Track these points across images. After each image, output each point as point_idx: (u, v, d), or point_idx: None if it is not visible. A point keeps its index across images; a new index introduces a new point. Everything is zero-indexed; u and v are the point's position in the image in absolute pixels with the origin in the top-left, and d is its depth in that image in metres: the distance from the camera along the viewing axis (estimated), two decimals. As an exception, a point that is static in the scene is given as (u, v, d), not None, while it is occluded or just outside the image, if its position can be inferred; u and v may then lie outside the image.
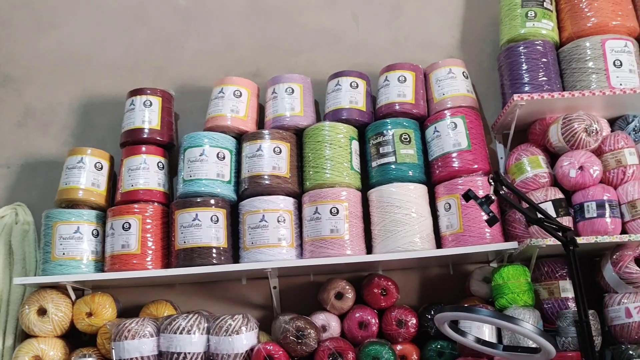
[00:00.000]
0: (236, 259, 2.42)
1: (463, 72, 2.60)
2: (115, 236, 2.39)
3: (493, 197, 1.92)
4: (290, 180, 2.47)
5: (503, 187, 1.93)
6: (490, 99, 2.73)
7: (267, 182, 2.43)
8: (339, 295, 2.40)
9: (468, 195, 1.92)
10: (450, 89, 2.56)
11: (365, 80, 2.62)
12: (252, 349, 2.22)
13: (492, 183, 1.89)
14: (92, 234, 2.43)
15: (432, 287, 2.57)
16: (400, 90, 2.56)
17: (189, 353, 2.20)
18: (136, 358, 2.19)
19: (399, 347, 2.33)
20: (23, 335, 2.40)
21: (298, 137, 2.56)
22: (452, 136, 2.46)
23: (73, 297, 2.41)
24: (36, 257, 2.52)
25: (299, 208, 2.48)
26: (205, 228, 2.36)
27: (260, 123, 2.64)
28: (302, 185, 2.50)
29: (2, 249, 2.49)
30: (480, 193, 2.31)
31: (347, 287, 2.41)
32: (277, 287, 2.53)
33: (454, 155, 2.44)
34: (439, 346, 2.33)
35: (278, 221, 2.39)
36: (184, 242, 2.36)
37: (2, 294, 2.44)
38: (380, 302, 2.39)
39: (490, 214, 1.87)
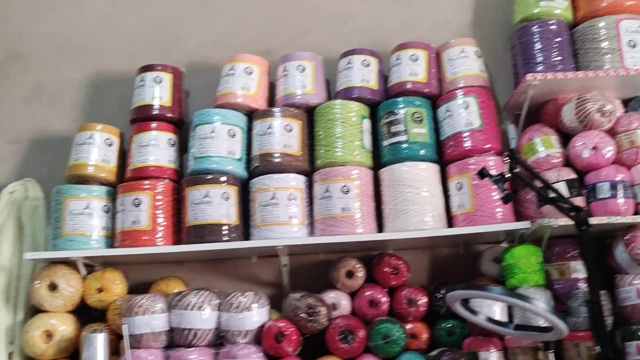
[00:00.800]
0: (247, 236, 2.41)
1: (475, 52, 2.58)
2: (125, 212, 2.38)
3: (507, 175, 1.91)
4: (301, 159, 2.46)
5: (517, 165, 1.92)
6: (501, 80, 2.70)
7: (278, 160, 2.42)
8: (350, 274, 2.39)
9: (482, 173, 1.91)
10: (463, 69, 2.54)
11: (377, 59, 2.60)
12: (262, 326, 2.22)
13: (507, 161, 1.88)
14: (103, 210, 2.42)
15: (443, 266, 2.56)
16: (412, 69, 2.54)
17: (200, 329, 2.20)
18: (147, 334, 2.19)
19: (409, 325, 2.33)
20: (33, 311, 2.39)
21: (309, 115, 2.55)
22: (464, 116, 2.45)
23: (83, 272, 2.41)
24: (46, 233, 2.51)
25: (310, 186, 2.47)
26: (216, 205, 2.36)
27: (271, 101, 2.62)
28: (313, 164, 2.49)
29: (12, 224, 2.49)
30: (493, 173, 2.29)
31: (358, 265, 2.40)
32: (288, 265, 2.52)
33: (466, 134, 2.43)
34: (449, 325, 2.32)
35: (289, 199, 2.38)
36: (195, 219, 2.36)
37: (12, 269, 2.43)
38: (390, 281, 2.39)
39: (506, 192, 1.86)
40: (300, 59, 2.58)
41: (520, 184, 2.43)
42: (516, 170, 1.88)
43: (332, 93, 2.67)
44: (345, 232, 2.33)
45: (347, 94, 2.54)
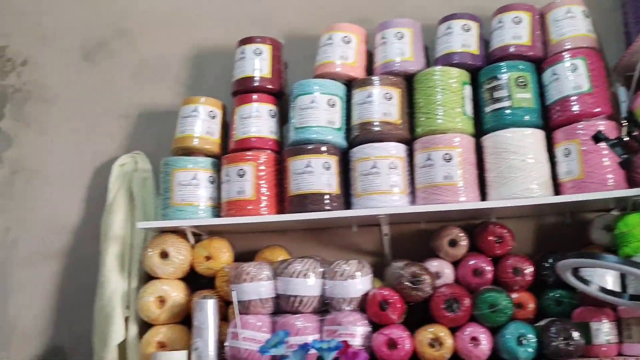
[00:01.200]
0: (348, 205, 2.43)
1: (583, 11, 2.46)
2: (230, 182, 2.44)
3: (626, 139, 1.83)
4: (401, 127, 2.43)
5: (636, 128, 1.83)
6: (611, 40, 2.57)
7: (377, 128, 2.41)
8: (453, 243, 2.37)
9: (598, 137, 1.83)
10: (569, 30, 2.43)
11: (478, 23, 2.53)
12: (366, 294, 2.24)
13: (625, 124, 1.79)
14: (208, 181, 2.49)
15: (549, 235, 2.49)
16: (515, 32, 2.46)
17: (305, 296, 2.24)
18: (254, 300, 2.25)
19: (514, 295, 2.28)
20: (146, 277, 2.51)
21: (408, 82, 2.52)
22: (571, 79, 2.35)
23: (192, 241, 2.50)
24: (155, 203, 2.61)
25: (410, 155, 2.45)
26: (317, 175, 2.38)
27: (369, 69, 2.61)
28: (413, 132, 2.46)
29: (124, 195, 2.60)
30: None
31: (461, 234, 2.37)
32: (389, 234, 2.52)
33: (574, 98, 2.33)
34: (557, 295, 2.26)
35: (389, 168, 2.37)
36: (297, 189, 2.39)
37: (126, 238, 2.55)
38: (494, 250, 2.34)
39: (624, 156, 1.78)
40: (398, 26, 2.54)
41: (633, 149, 2.31)
42: (635, 133, 1.79)
43: (431, 59, 2.62)
44: (448, 201, 2.30)
45: (447, 60, 2.49)
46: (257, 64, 2.56)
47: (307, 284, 2.25)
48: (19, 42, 2.99)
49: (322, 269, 2.29)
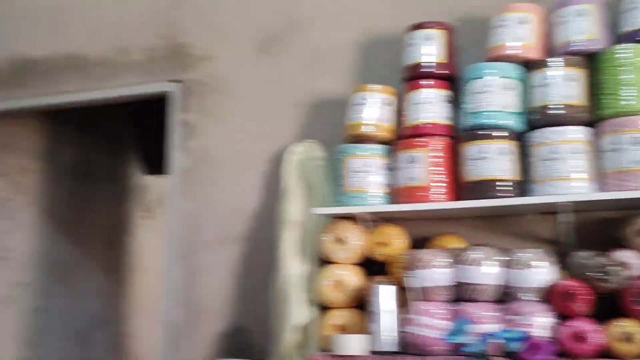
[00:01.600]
0: (525, 192, 2.34)
1: None
2: (402, 169, 2.45)
3: None
4: (584, 109, 2.31)
5: None
6: None
7: (558, 111, 2.30)
8: (644, 232, 2.21)
9: None
10: None
11: (671, -6, 2.33)
12: (549, 284, 2.16)
13: None
14: (381, 167, 2.51)
15: None
16: None
17: (483, 284, 2.21)
18: (431, 287, 2.25)
19: None
20: (321, 262, 2.58)
21: (591, 62, 2.37)
22: None
23: (366, 227, 2.54)
24: (328, 190, 2.67)
25: (595, 138, 2.31)
26: (493, 160, 2.32)
27: (548, 50, 2.48)
28: (597, 114, 2.32)
29: (299, 182, 2.70)
30: None
31: (653, 223, 2.21)
32: (570, 223, 2.41)
33: None
34: None
35: (572, 153, 2.26)
36: (472, 175, 2.35)
37: (301, 224, 2.64)
38: (693, 241, 2.17)
39: None
40: (579, 3, 2.40)
41: None
42: None
43: (616, 37, 2.45)
44: (639, 187, 2.16)
45: (635, 37, 2.32)
46: (429, 49, 2.53)
47: (485, 272, 2.21)
48: (199, 38, 3.18)
49: (500, 258, 2.23)
